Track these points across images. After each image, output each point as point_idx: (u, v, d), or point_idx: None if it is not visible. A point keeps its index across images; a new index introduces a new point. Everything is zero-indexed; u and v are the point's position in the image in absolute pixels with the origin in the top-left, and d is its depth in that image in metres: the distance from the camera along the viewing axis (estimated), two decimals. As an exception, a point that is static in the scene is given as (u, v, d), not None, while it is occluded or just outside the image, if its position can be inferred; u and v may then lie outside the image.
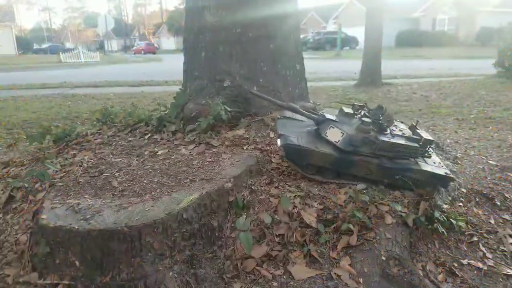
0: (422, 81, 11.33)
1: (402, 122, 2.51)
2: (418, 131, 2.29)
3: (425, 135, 2.25)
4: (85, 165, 2.45)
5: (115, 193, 2.03)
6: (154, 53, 41.01)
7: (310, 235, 1.93)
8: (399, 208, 2.03)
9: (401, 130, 2.29)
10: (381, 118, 2.21)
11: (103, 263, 1.69)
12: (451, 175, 2.21)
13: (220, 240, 1.94)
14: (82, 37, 61.69)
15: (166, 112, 3.25)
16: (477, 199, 2.70)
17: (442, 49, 26.28)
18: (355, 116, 2.29)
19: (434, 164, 2.26)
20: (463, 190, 2.64)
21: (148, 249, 1.71)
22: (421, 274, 1.89)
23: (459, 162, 3.20)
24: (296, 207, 2.02)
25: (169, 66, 21.94)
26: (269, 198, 2.10)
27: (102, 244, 1.68)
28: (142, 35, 60.62)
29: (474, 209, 2.56)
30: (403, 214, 2.04)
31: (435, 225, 2.05)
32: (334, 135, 2.17)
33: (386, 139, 2.11)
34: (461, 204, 2.50)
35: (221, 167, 2.27)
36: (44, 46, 47.07)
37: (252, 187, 2.16)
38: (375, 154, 2.12)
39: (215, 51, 3.08)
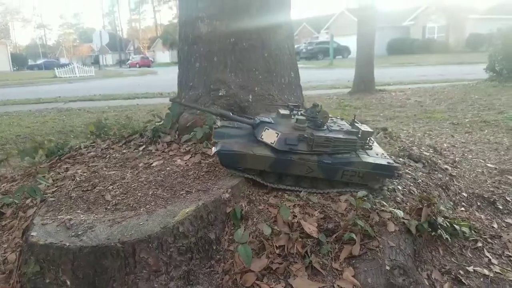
0: (415, 87, 11.40)
1: (342, 119, 2.49)
2: (357, 124, 2.27)
3: (364, 127, 2.24)
4: (77, 179, 2.38)
5: (108, 207, 1.96)
6: (149, 66, 41.15)
7: (312, 246, 1.87)
8: (401, 214, 1.98)
9: (339, 126, 2.28)
10: (317, 115, 2.20)
11: (96, 281, 1.62)
12: (394, 164, 2.19)
13: (218, 253, 1.87)
14: (77, 52, 61.84)
15: (161, 123, 3.20)
16: (478, 203, 2.65)
17: (433, 56, 26.55)
18: (292, 117, 2.26)
19: (376, 156, 2.23)
20: (464, 194, 2.60)
21: (143, 265, 1.64)
22: (427, 284, 1.83)
23: (458, 166, 3.16)
24: (296, 216, 1.96)
25: (164, 79, 21.95)
26: (267, 208, 2.03)
27: (95, 261, 1.61)
28: (137, 49, 60.83)
29: (476, 213, 2.51)
30: (406, 221, 1.99)
31: (438, 231, 2.00)
32: (269, 136, 2.11)
33: (321, 134, 2.09)
34: (463, 209, 2.45)
35: (218, 177, 2.21)
36: (39, 62, 47.12)
37: (250, 197, 2.10)
38: (313, 151, 2.07)
39: (210, 61, 3.05)
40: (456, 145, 4.64)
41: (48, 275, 1.63)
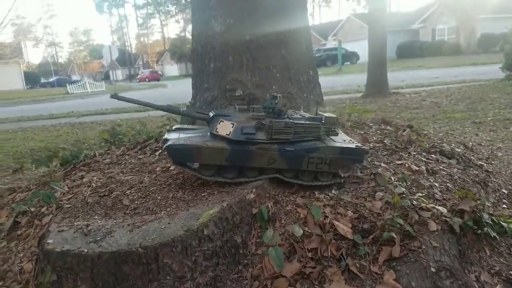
0: (429, 89, 11.17)
1: (305, 112, 2.31)
2: (320, 112, 2.14)
3: (328, 114, 2.11)
4: (93, 185, 2.28)
5: (127, 212, 1.85)
6: (158, 80, 41.52)
7: (347, 248, 1.72)
8: (445, 211, 1.82)
9: (301, 115, 2.14)
10: (276, 105, 2.04)
11: (117, 290, 1.49)
12: (363, 147, 2.05)
13: (245, 258, 1.73)
14: (87, 68, 62.85)
15: (176, 127, 3.10)
16: (519, 200, 2.47)
17: (444, 58, 26.20)
18: (250, 111, 2.09)
19: (343, 141, 2.08)
20: (504, 191, 2.42)
21: (167, 271, 1.51)
22: (477, 287, 1.66)
23: (492, 162, 2.98)
24: (327, 217, 1.82)
25: (174, 91, 22.10)
26: (296, 209, 1.90)
27: (115, 268, 1.49)
28: (145, 63, 61.60)
29: (519, 210, 2.33)
30: (448, 219, 1.82)
31: (485, 229, 1.83)
32: (224, 128, 1.93)
33: (279, 119, 1.94)
34: (505, 206, 2.28)
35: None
36: (51, 79, 47.93)
37: (276, 197, 1.96)
38: (273, 139, 1.91)
39: (225, 61, 2.95)
40: (482, 143, 4.44)
41: (66, 284, 1.51)
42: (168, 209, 1.82)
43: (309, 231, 1.76)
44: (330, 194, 1.99)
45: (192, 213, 1.74)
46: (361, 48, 33.32)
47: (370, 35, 10.05)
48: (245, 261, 1.72)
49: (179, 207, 1.83)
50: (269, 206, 1.86)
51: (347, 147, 1.99)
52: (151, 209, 1.85)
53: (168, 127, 3.16)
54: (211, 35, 2.96)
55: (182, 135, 2.05)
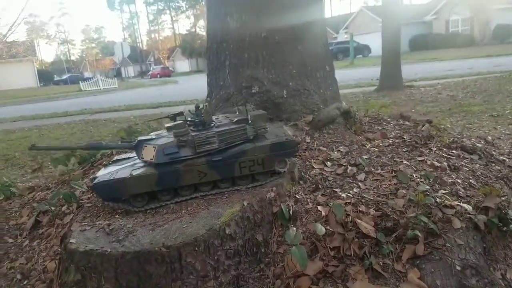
0: (444, 82, 10.99)
1: (238, 114, 2.18)
2: (249, 112, 2.03)
3: (256, 112, 2.02)
4: (113, 183, 2.28)
5: (148, 211, 1.85)
6: (169, 76, 41.70)
7: (370, 247, 1.70)
8: (470, 208, 1.78)
9: (230, 119, 2.06)
10: (202, 115, 1.96)
11: (141, 289, 1.50)
12: (293, 138, 1.98)
13: (267, 256, 1.73)
14: (99, 65, 63.41)
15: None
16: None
17: (458, 50, 25.71)
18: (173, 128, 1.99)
19: (274, 137, 1.99)
20: (528, 186, 2.36)
21: (190, 270, 1.51)
22: (503, 284, 1.63)
23: (515, 157, 2.91)
24: (349, 215, 1.79)
25: (185, 87, 22.18)
26: (316, 207, 1.88)
27: (138, 267, 1.50)
28: (157, 59, 61.91)
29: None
30: (472, 216, 1.79)
31: (510, 226, 1.79)
32: (148, 153, 1.86)
33: (198, 133, 1.86)
34: (529, 202, 2.22)
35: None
36: (64, 77, 48.54)
37: (297, 196, 1.95)
38: (199, 153, 1.84)
39: (241, 58, 2.93)
40: (501, 137, 4.36)
41: (90, 284, 1.52)
42: (189, 207, 1.82)
43: (331, 229, 1.74)
44: (351, 191, 1.97)
45: (213, 211, 1.74)
46: (373, 41, 32.93)
47: (383, 28, 9.91)
48: (266, 259, 1.72)
49: (200, 206, 1.83)
50: (290, 205, 1.85)
51: (276, 143, 1.93)
52: (171, 208, 1.85)
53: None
54: (226, 32, 2.94)
55: (113, 169, 1.96)
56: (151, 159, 1.83)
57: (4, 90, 32.48)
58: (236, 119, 1.98)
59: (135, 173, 1.82)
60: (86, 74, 53.64)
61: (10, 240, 2.09)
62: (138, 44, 60.47)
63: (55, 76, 51.99)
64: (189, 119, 1.99)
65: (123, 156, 2.18)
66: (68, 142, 6.78)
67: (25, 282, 1.73)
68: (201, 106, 1.99)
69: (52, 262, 1.76)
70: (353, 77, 15.41)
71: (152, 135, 2.01)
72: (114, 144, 2.18)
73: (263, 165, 1.91)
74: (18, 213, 2.37)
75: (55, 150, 1.83)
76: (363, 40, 33.25)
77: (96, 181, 1.85)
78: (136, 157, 1.99)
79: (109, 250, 1.52)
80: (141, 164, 1.90)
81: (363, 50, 32.83)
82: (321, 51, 3.06)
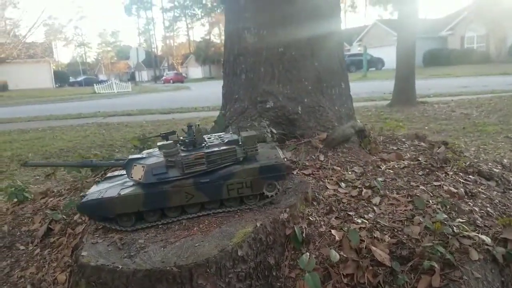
0: (458, 99, 10.86)
1: (232, 133, 2.18)
2: (242, 132, 2.01)
3: (247, 133, 1.97)
4: (125, 195, 2.28)
5: (160, 226, 1.84)
6: (182, 82, 42.06)
7: (384, 275, 1.66)
8: (488, 240, 1.73)
9: (220, 137, 2.03)
10: (193, 135, 1.93)
11: (150, 308, 1.48)
12: (283, 162, 1.91)
13: (278, 280, 1.70)
14: (114, 69, 64.26)
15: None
16: None
17: (473, 67, 25.47)
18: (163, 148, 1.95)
19: (264, 159, 1.94)
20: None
21: (200, 292, 1.49)
22: (522, 322, 1.57)
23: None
24: (363, 241, 1.76)
25: (197, 94, 22.33)
26: (330, 231, 1.85)
27: (149, 286, 1.48)
28: (170, 65, 62.54)
29: None
30: (490, 248, 1.74)
31: (531, 260, 1.73)
32: (137, 172, 1.84)
33: (187, 153, 1.83)
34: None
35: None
36: (79, 79, 49.27)
37: (310, 218, 1.92)
38: (187, 174, 1.81)
39: (256, 72, 2.93)
40: (518, 161, 4.26)
41: (100, 300, 1.51)
42: (201, 225, 1.80)
43: (344, 255, 1.71)
44: (366, 216, 1.93)
45: (225, 231, 1.72)
46: (387, 55, 32.83)
47: (398, 42, 9.85)
48: (278, 283, 1.69)
49: (212, 223, 1.81)
50: (303, 227, 1.82)
51: (265, 166, 1.88)
52: (183, 224, 1.84)
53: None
54: (244, 46, 2.95)
55: (102, 187, 1.95)
56: (139, 178, 1.81)
57: (21, 90, 33.10)
58: (227, 140, 1.96)
59: (122, 192, 1.80)
60: (101, 77, 54.39)
61: (22, 247, 2.10)
62: (153, 49, 61.24)
63: (70, 77, 52.80)
64: (181, 137, 1.97)
65: (116, 172, 2.17)
66: (81, 145, 6.84)
67: (35, 294, 1.73)
68: (193, 125, 1.97)
69: (62, 274, 1.76)
70: (365, 90, 15.34)
71: (144, 153, 1.99)
72: (106, 162, 2.19)
73: (251, 188, 1.87)
74: (30, 219, 2.38)
75: (48, 166, 1.83)
76: (377, 53, 33.23)
77: (84, 199, 1.84)
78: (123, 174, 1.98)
79: (120, 266, 1.51)
80: (130, 183, 1.89)
81: (376, 63, 32.79)
82: (337, 67, 3.04)
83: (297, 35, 2.83)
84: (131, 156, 1.95)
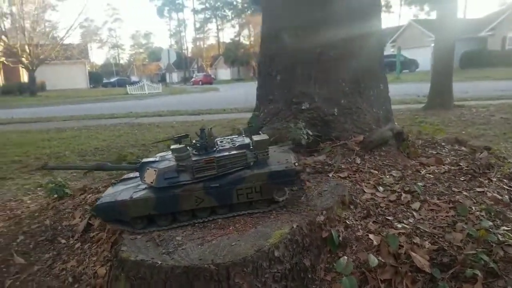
0: (497, 103, 10.40)
1: (245, 136, 2.13)
2: (254, 136, 1.97)
3: (259, 137, 1.94)
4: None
5: (196, 224, 1.86)
6: (211, 83, 42.54)
7: (424, 282, 1.61)
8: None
9: (232, 141, 2.00)
10: (206, 139, 1.92)
11: (187, 305, 1.50)
12: (294, 167, 1.85)
13: (313, 283, 1.68)
14: (146, 70, 65.88)
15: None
16: None
17: (514, 70, 24.32)
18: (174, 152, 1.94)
19: (275, 163, 1.90)
20: None
21: (237, 291, 1.49)
22: None
23: None
24: (402, 246, 1.71)
25: (226, 95, 22.50)
26: (367, 235, 1.81)
27: (187, 282, 1.50)
28: (200, 66, 63.45)
29: None
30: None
31: None
32: (150, 176, 1.86)
33: (198, 158, 1.82)
34: None
35: (308, 196, 2.03)
36: (113, 79, 50.80)
37: (347, 221, 1.88)
38: (197, 178, 1.80)
39: (292, 73, 2.92)
40: None
41: (139, 295, 1.54)
42: (236, 224, 1.81)
43: (382, 260, 1.66)
44: (405, 221, 1.88)
45: (260, 231, 1.72)
46: (421, 56, 31.91)
47: (436, 43, 9.55)
48: (313, 286, 1.66)
49: (247, 223, 1.81)
50: (340, 230, 1.79)
51: (275, 171, 1.86)
52: (219, 223, 1.85)
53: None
54: (280, 46, 2.94)
55: (116, 189, 1.99)
56: (151, 182, 1.84)
57: (58, 90, 34.50)
58: (238, 144, 1.96)
59: (135, 196, 1.84)
60: (133, 78, 55.84)
61: (63, 241, 2.17)
62: (183, 51, 62.32)
63: (104, 78, 54.52)
64: (193, 141, 1.98)
65: (131, 175, 2.21)
66: (114, 144, 7.03)
67: (76, 286, 1.79)
68: (205, 128, 1.99)
69: (102, 268, 1.80)
70: (398, 93, 14.95)
71: (157, 157, 2.02)
72: (120, 165, 2.25)
73: (261, 193, 1.87)
74: (70, 214, 2.46)
75: (67, 169, 1.92)
76: (411, 54, 32.35)
77: (98, 202, 1.88)
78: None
79: (159, 262, 1.54)
80: (143, 187, 1.92)
81: (410, 64, 31.92)
82: (376, 68, 2.99)
83: (336, 35, 2.79)
84: (144, 160, 1.99)
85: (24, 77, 33.14)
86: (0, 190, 4.41)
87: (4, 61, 28.76)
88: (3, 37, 27.13)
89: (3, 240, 2.33)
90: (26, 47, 27.65)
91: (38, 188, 4.37)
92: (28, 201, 3.95)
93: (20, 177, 4.97)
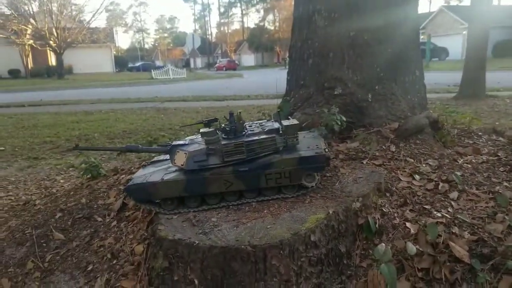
0: (532, 94, 9.97)
1: (276, 121, 2.10)
2: (283, 121, 1.94)
3: (289, 122, 1.91)
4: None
5: (231, 206, 1.87)
6: (235, 69, 42.44)
7: (462, 273, 1.57)
8: None
9: (261, 125, 1.98)
10: (235, 123, 1.90)
11: (224, 284, 1.52)
12: (324, 153, 1.81)
13: (348, 268, 1.67)
14: (170, 55, 66.30)
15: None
16: None
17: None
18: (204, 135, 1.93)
19: (305, 149, 1.87)
20: None
21: (274, 273, 1.50)
22: None
23: None
24: (441, 235, 1.67)
25: (249, 81, 22.43)
26: (404, 223, 1.78)
27: (224, 262, 1.52)
28: (224, 52, 63.32)
29: None
30: None
31: None
32: (180, 159, 1.86)
33: (227, 141, 1.80)
34: None
35: (343, 183, 2.00)
36: (137, 64, 51.37)
37: (383, 209, 1.86)
38: (226, 162, 1.79)
39: (325, 58, 2.87)
40: None
41: (177, 272, 1.57)
42: (271, 208, 1.81)
43: (420, 249, 1.64)
44: (443, 210, 1.84)
45: (295, 215, 1.71)
46: (452, 44, 30.79)
47: (469, 31, 9.19)
48: (348, 272, 1.66)
49: (281, 207, 1.82)
50: (376, 218, 1.77)
51: (305, 157, 1.83)
52: (253, 206, 1.86)
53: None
54: (312, 30, 2.88)
55: (147, 171, 2.03)
56: (181, 164, 1.86)
57: (84, 73, 35.21)
58: (267, 129, 1.95)
59: (166, 177, 1.87)
60: (157, 63, 56.34)
61: (99, 219, 2.23)
62: (207, 36, 62.25)
63: (129, 62, 55.20)
64: (223, 125, 1.99)
65: (161, 157, 2.25)
66: (142, 128, 7.15)
67: (114, 262, 1.84)
68: (233, 112, 1.98)
69: (139, 246, 1.85)
70: (428, 81, 14.41)
71: (187, 139, 2.04)
72: (151, 147, 2.27)
73: (290, 178, 1.86)
74: (105, 194, 2.52)
75: (98, 150, 1.98)
76: (441, 42, 31.26)
77: (130, 183, 1.93)
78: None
79: (196, 242, 1.56)
80: (173, 169, 1.95)
81: (440, 52, 30.86)
82: (412, 54, 2.90)
83: (371, 19, 2.71)
84: (175, 142, 2.01)
85: (52, 60, 33.96)
86: (34, 170, 4.58)
87: (33, 44, 29.46)
88: (31, 20, 27.75)
89: (41, 216, 2.42)
90: (54, 30, 28.20)
91: (70, 168, 4.51)
92: (61, 181, 4.08)
93: (52, 157, 5.13)
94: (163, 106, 10.78)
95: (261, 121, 2.19)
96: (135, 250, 1.84)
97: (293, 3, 3.28)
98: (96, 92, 17.20)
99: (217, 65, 46.93)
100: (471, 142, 2.75)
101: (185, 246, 1.57)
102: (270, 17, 58.94)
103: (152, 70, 29.33)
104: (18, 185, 3.99)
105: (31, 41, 29.26)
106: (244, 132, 1.94)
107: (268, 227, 1.63)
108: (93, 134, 6.67)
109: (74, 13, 31.93)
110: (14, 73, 31.10)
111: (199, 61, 58.77)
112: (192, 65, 44.47)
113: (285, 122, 1.95)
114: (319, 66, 2.90)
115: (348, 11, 2.73)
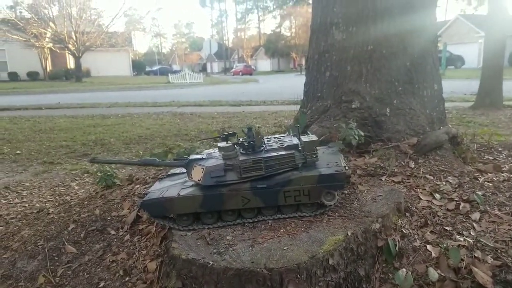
0: (550, 105, 9.66)
1: (294, 135, 2.04)
2: (302, 136, 1.89)
3: (308, 137, 1.86)
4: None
5: (246, 224, 1.84)
6: (251, 74, 42.58)
7: (487, 300, 1.51)
8: None
9: (280, 141, 1.93)
10: (253, 137, 1.85)
11: (239, 308, 1.49)
12: (342, 171, 1.76)
13: (367, 292, 1.62)
14: (187, 60, 66.85)
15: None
16: None
17: None
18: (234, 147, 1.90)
19: (324, 166, 1.82)
20: None
21: (289, 297, 1.46)
22: None
23: None
24: (463, 260, 1.61)
25: (265, 87, 22.42)
26: (425, 246, 1.72)
27: (239, 285, 1.49)
28: (240, 57, 63.57)
29: None
30: None
31: None
32: (197, 174, 1.83)
33: (245, 157, 1.75)
34: None
35: (361, 202, 1.96)
36: (155, 68, 51.99)
37: (403, 230, 1.80)
38: (244, 178, 1.75)
39: (342, 70, 2.83)
40: None
41: (190, 293, 1.55)
42: (288, 227, 1.78)
43: (442, 274, 1.58)
44: (465, 233, 1.77)
45: (313, 236, 1.67)
46: (468, 52, 30.26)
47: (486, 40, 9.03)
48: (367, 296, 1.61)
49: (298, 226, 1.78)
50: (396, 240, 1.72)
51: (324, 175, 1.78)
52: (269, 224, 1.82)
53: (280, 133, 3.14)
54: (330, 43, 2.85)
55: (164, 185, 2.01)
56: (198, 180, 1.84)
57: (102, 77, 35.80)
58: (286, 145, 1.91)
59: (182, 193, 1.85)
60: (175, 67, 56.87)
61: (112, 232, 2.22)
62: (224, 41, 62.70)
63: (146, 66, 55.89)
64: (241, 139, 1.96)
65: (178, 170, 2.22)
66: (158, 133, 7.18)
67: (126, 279, 1.82)
68: (251, 127, 1.96)
69: (152, 263, 1.83)
70: (444, 89, 14.13)
71: (204, 154, 2.02)
72: (168, 161, 2.26)
73: (309, 196, 1.82)
74: (119, 205, 2.52)
75: (114, 163, 2.01)
76: (457, 50, 30.80)
77: (145, 198, 1.91)
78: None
79: (211, 262, 1.53)
80: (190, 184, 1.93)
81: (455, 61, 30.44)
82: (430, 67, 2.83)
83: (389, 32, 2.66)
84: (192, 157, 2.00)
85: (71, 63, 34.58)
86: (49, 174, 4.62)
87: (52, 47, 30.10)
88: (51, 23, 28.37)
89: (54, 227, 2.42)
90: (73, 34, 28.78)
91: (85, 174, 4.55)
92: (76, 187, 4.11)
93: (67, 162, 5.18)
94: (179, 111, 10.84)
95: (280, 136, 2.17)
96: (148, 267, 1.82)
97: (309, 10, 3.25)
98: (113, 95, 17.43)
99: (233, 70, 47.16)
100: (491, 158, 2.67)
101: (199, 266, 1.54)
102: (287, 23, 58.99)
103: (169, 74, 29.67)
104: (32, 191, 4.03)
105: (50, 44, 29.91)
106: (262, 148, 1.92)
107: (284, 248, 1.60)
108: (109, 139, 6.72)
109: (93, 17, 32.54)
110: (32, 76, 31.81)
111: (216, 66, 59.15)
112: (208, 70, 44.78)
113: (304, 138, 1.91)
114: (337, 79, 2.86)
115: (365, 25, 2.68)
